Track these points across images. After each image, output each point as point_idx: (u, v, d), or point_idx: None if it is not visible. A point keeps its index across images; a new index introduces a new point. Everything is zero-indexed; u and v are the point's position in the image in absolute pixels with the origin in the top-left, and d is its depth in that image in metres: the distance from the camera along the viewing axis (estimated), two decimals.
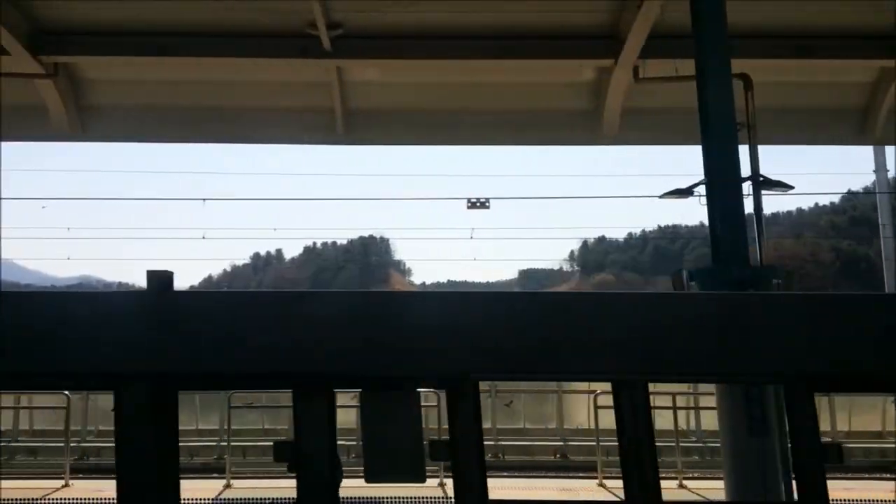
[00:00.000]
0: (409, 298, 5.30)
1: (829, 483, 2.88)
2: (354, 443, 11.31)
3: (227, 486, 9.98)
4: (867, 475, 11.46)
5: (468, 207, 12.49)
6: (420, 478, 4.81)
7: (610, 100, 11.76)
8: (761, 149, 9.60)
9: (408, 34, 11.27)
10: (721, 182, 7.50)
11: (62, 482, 10.36)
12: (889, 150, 26.69)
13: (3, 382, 4.95)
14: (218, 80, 12.54)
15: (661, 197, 9.37)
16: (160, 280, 4.70)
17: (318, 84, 12.30)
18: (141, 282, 3.92)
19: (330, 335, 4.86)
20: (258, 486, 9.82)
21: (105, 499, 8.55)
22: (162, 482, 4.04)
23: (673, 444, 11.32)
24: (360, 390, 4.44)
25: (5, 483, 10.26)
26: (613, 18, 11.04)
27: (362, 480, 3.55)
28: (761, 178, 8.70)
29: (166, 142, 13.29)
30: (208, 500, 9.05)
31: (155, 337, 3.73)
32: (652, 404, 4.14)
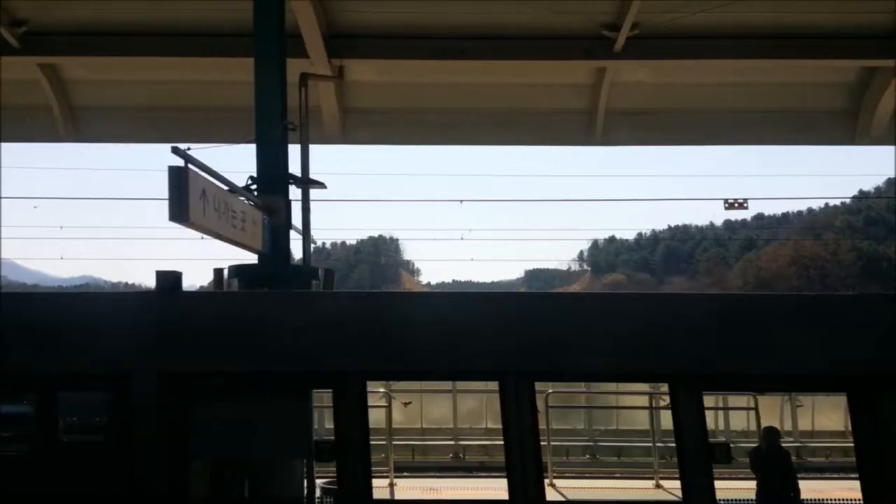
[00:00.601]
0: None
1: None
2: None
3: None
4: None
5: (726, 208, 12.50)
6: None
7: (884, 100, 11.77)
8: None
9: (693, 35, 11.21)
10: None
11: None
12: None
13: None
14: (462, 83, 12.43)
15: None
16: None
17: (578, 85, 12.23)
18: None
19: None
20: None
21: None
22: None
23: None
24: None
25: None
26: None
27: None
28: None
29: (421, 144, 13.14)
30: None
31: None
32: None
